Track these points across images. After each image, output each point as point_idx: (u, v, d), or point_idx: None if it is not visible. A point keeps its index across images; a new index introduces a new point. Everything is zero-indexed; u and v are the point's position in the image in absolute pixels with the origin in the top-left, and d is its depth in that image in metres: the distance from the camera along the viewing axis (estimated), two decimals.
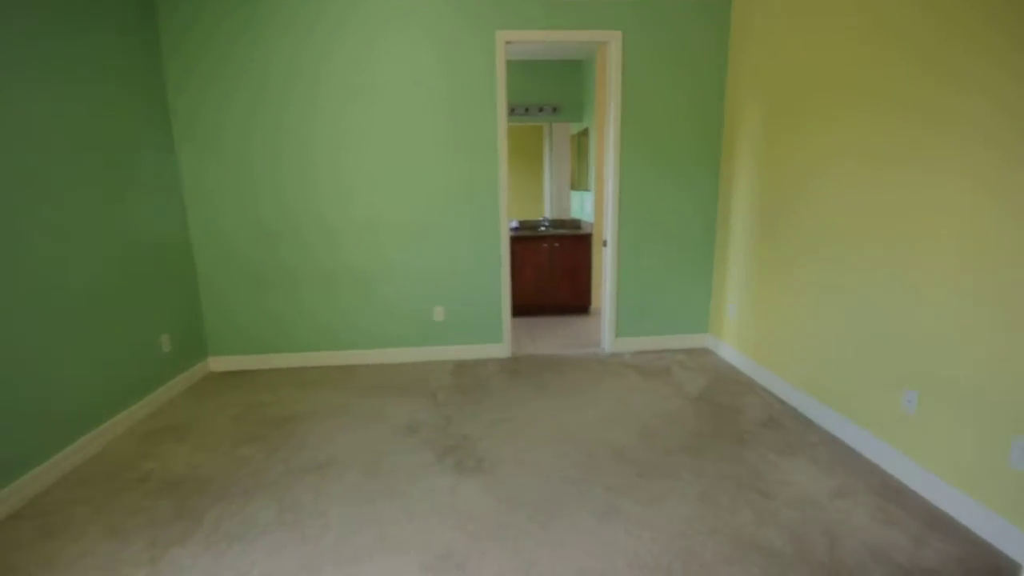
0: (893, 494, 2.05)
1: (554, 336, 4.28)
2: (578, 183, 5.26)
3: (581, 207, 5.22)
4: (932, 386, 2.00)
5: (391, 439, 2.56)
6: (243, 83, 3.22)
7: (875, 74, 2.21)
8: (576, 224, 5.20)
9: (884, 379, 2.22)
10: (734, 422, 2.69)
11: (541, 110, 5.10)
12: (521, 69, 4.98)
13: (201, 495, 2.12)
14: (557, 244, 4.78)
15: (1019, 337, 1.67)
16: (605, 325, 3.83)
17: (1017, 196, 1.66)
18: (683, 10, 3.34)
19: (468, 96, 3.36)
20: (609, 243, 3.66)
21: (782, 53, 2.87)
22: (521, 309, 4.88)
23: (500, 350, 3.74)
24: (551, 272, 4.83)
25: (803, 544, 1.79)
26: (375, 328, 3.62)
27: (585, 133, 5.02)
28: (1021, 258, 1.66)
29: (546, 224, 5.16)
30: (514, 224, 5.05)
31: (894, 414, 2.18)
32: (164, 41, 3.12)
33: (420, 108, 3.35)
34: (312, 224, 3.43)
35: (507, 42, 3.33)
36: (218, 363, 3.56)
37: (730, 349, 3.54)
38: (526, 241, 4.75)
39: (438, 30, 3.27)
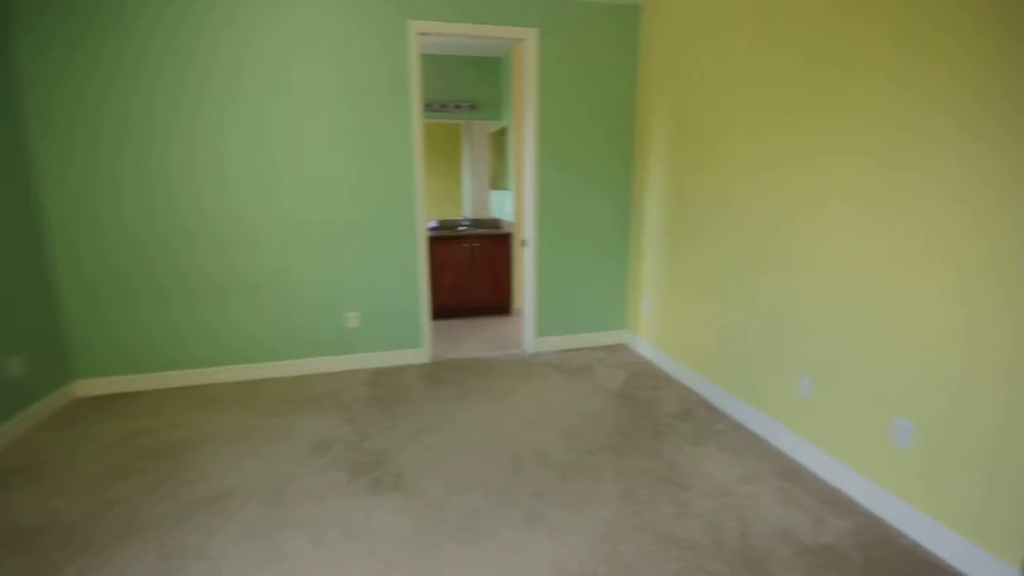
0: (794, 475, 2.20)
1: (476, 338, 4.20)
2: (498, 182, 5.21)
3: (501, 206, 5.18)
4: (825, 372, 2.16)
5: (299, 461, 2.34)
6: (112, 69, 2.80)
7: (771, 82, 2.35)
8: (496, 224, 5.15)
9: (783, 367, 2.38)
10: (651, 416, 2.76)
11: (458, 107, 4.99)
12: (437, 64, 4.83)
13: (60, 548, 1.78)
14: (477, 244, 4.70)
15: (894, 326, 1.83)
16: (527, 325, 3.80)
17: (886, 202, 1.82)
18: (597, 12, 3.39)
19: (380, 89, 3.17)
20: (529, 242, 3.64)
21: (684, 59, 2.99)
22: (442, 311, 4.75)
23: (420, 355, 3.59)
24: (472, 273, 4.74)
25: (718, 533, 1.85)
26: (282, 338, 3.32)
27: (503, 132, 4.98)
28: (892, 261, 1.82)
29: (466, 224, 5.06)
30: (433, 224, 4.90)
31: (792, 399, 2.34)
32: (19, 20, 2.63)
33: (326, 100, 3.11)
34: (207, 225, 3.07)
35: (420, 33, 3.18)
36: (88, 387, 3.07)
37: (646, 344, 3.66)
38: (445, 241, 4.62)
39: (346, 15, 3.05)
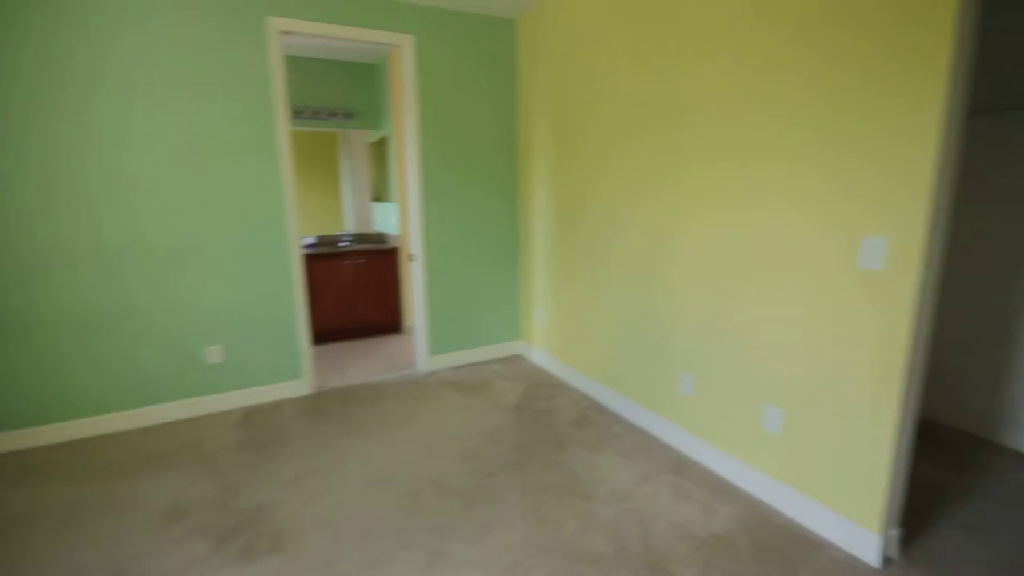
0: (684, 470, 2.31)
1: (365, 361, 3.91)
2: (381, 194, 4.96)
3: (386, 220, 4.93)
4: (703, 369, 2.30)
5: (146, 536, 1.93)
6: None
7: (636, 94, 2.48)
8: (381, 238, 4.89)
9: (667, 367, 2.51)
10: (551, 426, 2.75)
11: (333, 115, 4.66)
12: (307, 68, 4.47)
13: None
14: (361, 260, 4.40)
15: (761, 324, 2.01)
16: (419, 343, 3.63)
17: (750, 213, 1.99)
18: (474, 24, 3.36)
19: (237, 92, 2.80)
20: (417, 256, 3.48)
21: (561, 70, 3.07)
22: (325, 335, 4.37)
23: (300, 387, 3.24)
24: (357, 291, 4.43)
25: (621, 540, 1.86)
26: (124, 383, 2.77)
27: (384, 142, 4.75)
28: (756, 266, 2.00)
29: (347, 239, 4.73)
30: (309, 241, 4.50)
31: (676, 396, 2.47)
32: None
33: (177, 105, 2.67)
34: (19, 249, 2.45)
35: (283, 32, 2.88)
36: None
37: (541, 354, 3.68)
38: (326, 259, 4.27)
39: (199, 11, 2.65)
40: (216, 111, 2.78)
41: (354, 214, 4.98)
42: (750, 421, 2.10)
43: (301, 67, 4.44)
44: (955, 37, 1.39)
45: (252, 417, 2.93)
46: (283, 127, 2.95)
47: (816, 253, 1.78)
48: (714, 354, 2.23)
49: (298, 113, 4.47)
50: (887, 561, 1.72)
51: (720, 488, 2.16)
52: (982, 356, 2.48)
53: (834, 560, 1.74)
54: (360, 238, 4.84)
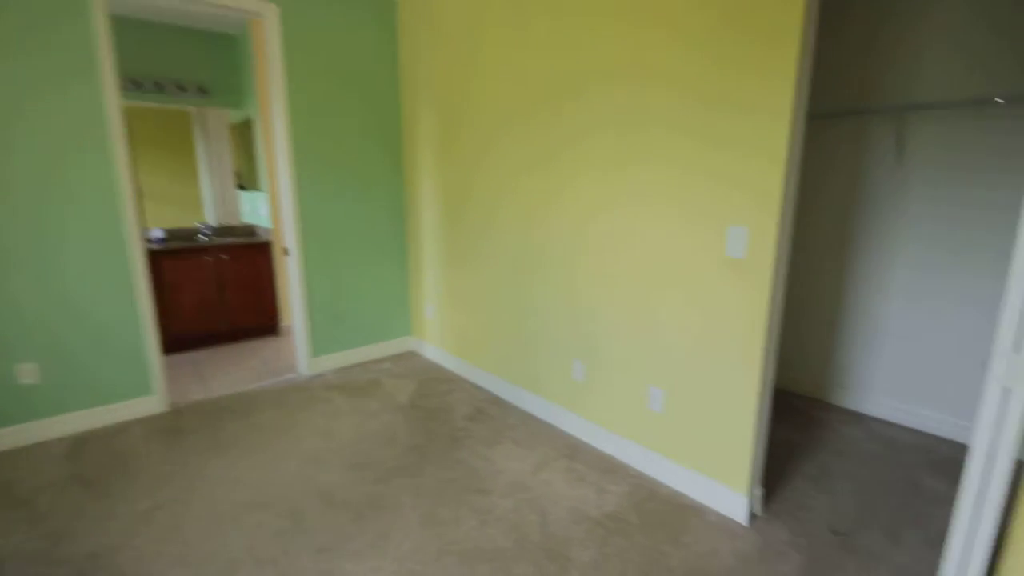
0: (578, 453, 2.37)
1: (237, 369, 3.48)
2: (247, 182, 4.44)
3: (255, 210, 4.43)
4: (593, 355, 2.38)
5: None
6: None
7: (520, 76, 2.47)
8: (250, 231, 4.39)
9: (559, 354, 2.55)
10: (446, 423, 2.67)
11: (183, 90, 4.05)
12: (148, 32, 3.82)
13: None
14: (226, 256, 3.91)
15: (644, 311, 2.11)
16: (299, 345, 3.31)
17: (627, 208, 2.08)
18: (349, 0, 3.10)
19: (40, 49, 2.28)
20: (292, 251, 3.16)
21: (446, 51, 2.97)
22: (185, 342, 3.82)
23: (152, 404, 2.78)
24: (222, 290, 3.93)
25: (521, 531, 1.85)
26: None
27: (248, 124, 4.25)
28: (638, 256, 2.09)
29: (207, 232, 4.17)
30: (158, 234, 3.88)
31: (568, 383, 2.53)
32: None
33: None
34: None
35: None
36: None
37: (433, 348, 3.57)
38: (180, 255, 3.71)
39: None
40: (21, 76, 2.23)
41: (216, 204, 4.41)
42: (636, 402, 2.21)
43: (140, 31, 3.79)
44: (799, 50, 1.55)
45: (86, 445, 2.44)
46: (113, 98, 2.47)
47: (691, 244, 1.91)
48: (603, 340, 2.32)
49: (136, 84, 3.81)
50: (753, 517, 1.91)
51: (611, 468, 2.26)
52: (815, 330, 2.89)
53: (710, 523, 1.90)
54: (223, 231, 4.30)
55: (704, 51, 1.77)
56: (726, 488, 1.93)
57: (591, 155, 2.22)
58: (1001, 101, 2.13)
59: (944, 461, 2.29)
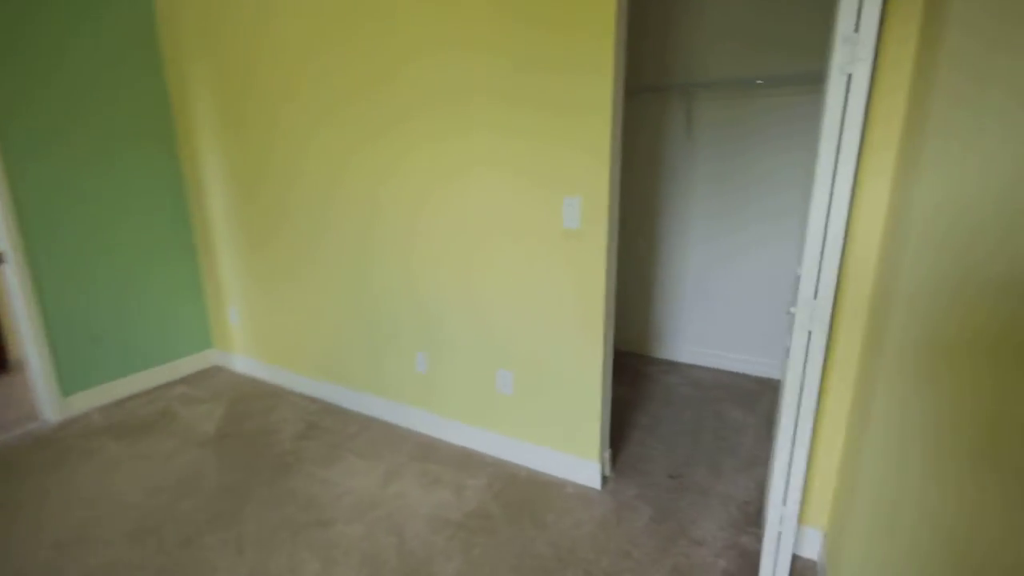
0: (431, 452, 2.19)
1: None
2: None
3: None
4: (436, 345, 2.20)
5: None
6: None
7: (342, 57, 2.10)
8: None
9: (400, 348, 2.31)
10: (270, 448, 2.24)
11: None
12: None
13: None
14: None
15: (486, 292, 1.99)
16: (38, 383, 2.45)
17: (464, 187, 1.91)
18: None
19: None
20: (10, 260, 2.28)
21: (226, 22, 2.38)
22: None
23: None
24: None
25: (376, 561, 1.61)
26: None
27: None
28: (477, 236, 1.95)
29: None
30: None
31: (412, 377, 2.31)
32: None
33: None
34: None
35: None
36: None
37: (245, 359, 2.99)
38: None
39: None
40: None
41: None
42: (486, 388, 2.11)
43: None
44: (616, 30, 1.54)
45: None
46: None
47: (529, 218, 1.83)
48: (446, 327, 2.15)
49: None
50: (605, 480, 1.98)
51: (468, 462, 2.13)
52: (633, 291, 3.15)
53: (569, 496, 1.91)
54: None
55: (526, 16, 1.66)
56: (580, 459, 1.95)
57: (420, 130, 1.98)
58: (760, 82, 2.50)
59: (742, 394, 2.70)
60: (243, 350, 2.99)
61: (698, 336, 3.03)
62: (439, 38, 1.84)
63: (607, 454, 2.01)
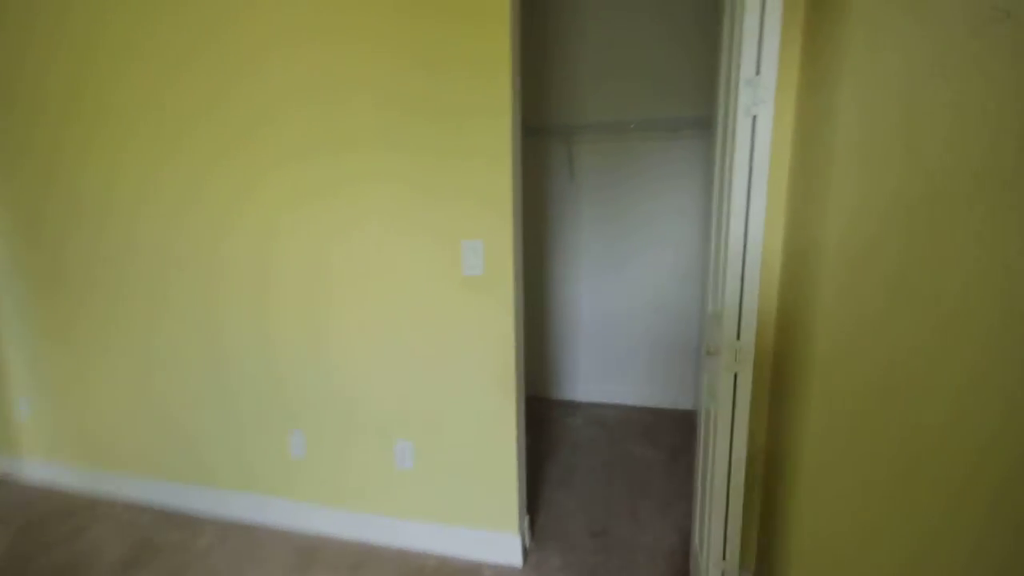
0: (315, 556, 1.78)
1: None
2: None
3: None
4: (316, 420, 1.82)
5: None
6: None
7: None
8: None
9: (267, 429, 1.89)
10: None
11: None
12: None
13: None
14: None
15: (381, 348, 1.70)
16: None
17: (341, 233, 1.64)
18: None
19: None
20: None
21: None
22: None
23: None
24: None
25: None
26: None
27: None
28: (357, 290, 1.67)
29: None
30: None
31: (285, 464, 1.89)
32: None
33: None
34: None
35: None
36: None
37: (42, 465, 2.25)
38: None
39: None
40: None
41: None
42: (382, 464, 1.79)
43: None
44: (511, 70, 1.44)
45: None
46: None
47: (423, 266, 1.61)
48: (327, 398, 1.79)
49: None
50: (525, 554, 1.76)
51: (364, 560, 1.76)
52: (529, 333, 3.05)
53: None
54: None
55: (413, 57, 1.49)
56: (497, 533, 1.72)
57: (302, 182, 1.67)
58: (634, 126, 2.63)
59: (643, 428, 2.69)
60: (39, 452, 2.25)
61: (594, 374, 3.01)
62: (322, 83, 1.58)
63: (526, 522, 1.80)
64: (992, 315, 0.54)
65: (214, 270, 1.81)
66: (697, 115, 2.56)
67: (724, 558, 1.30)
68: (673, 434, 2.62)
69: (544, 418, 2.84)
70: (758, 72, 1.09)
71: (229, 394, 1.90)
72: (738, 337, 1.18)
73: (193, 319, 1.88)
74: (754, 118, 1.10)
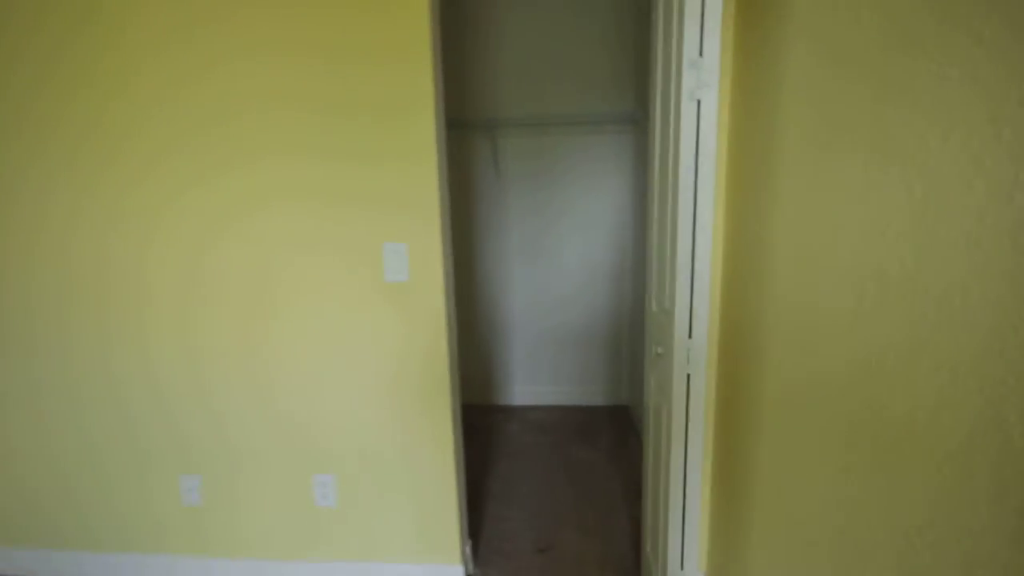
0: None
1: None
2: None
3: None
4: (215, 460, 1.54)
5: None
6: None
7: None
8: None
9: (153, 473, 1.57)
10: None
11: None
12: None
13: None
14: None
15: (292, 367, 1.46)
16: None
17: (239, 237, 1.38)
18: None
19: None
20: None
21: None
22: None
23: None
24: None
25: None
26: None
27: None
28: (263, 303, 1.42)
29: None
30: None
31: (178, 512, 1.58)
32: None
33: None
34: None
35: None
36: None
37: None
38: None
39: None
40: None
41: None
42: (299, 503, 1.54)
43: None
44: (433, 62, 1.27)
45: None
46: None
47: (339, 275, 1.40)
48: (228, 430, 1.52)
49: None
50: None
51: None
52: (461, 337, 2.89)
53: None
54: None
55: (327, 54, 1.28)
56: (437, 566, 1.55)
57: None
58: (556, 120, 2.56)
59: (580, 429, 2.63)
60: None
61: (529, 376, 2.91)
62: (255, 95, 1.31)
63: (468, 548, 1.65)
64: (972, 302, 0.48)
65: (93, 279, 1.47)
66: (624, 109, 2.55)
67: (682, 568, 1.23)
68: (609, 432, 2.58)
69: (481, 426, 2.69)
70: (701, 53, 1.02)
71: (108, 434, 1.55)
72: (690, 336, 1.12)
73: (57, 340, 1.51)
74: (698, 102, 1.04)
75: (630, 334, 2.78)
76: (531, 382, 2.91)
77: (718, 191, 1.14)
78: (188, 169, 1.37)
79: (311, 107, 1.32)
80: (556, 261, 2.77)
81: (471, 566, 1.66)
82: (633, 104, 2.55)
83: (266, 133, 1.34)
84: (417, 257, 1.38)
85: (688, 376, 1.13)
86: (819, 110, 0.77)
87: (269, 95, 1.32)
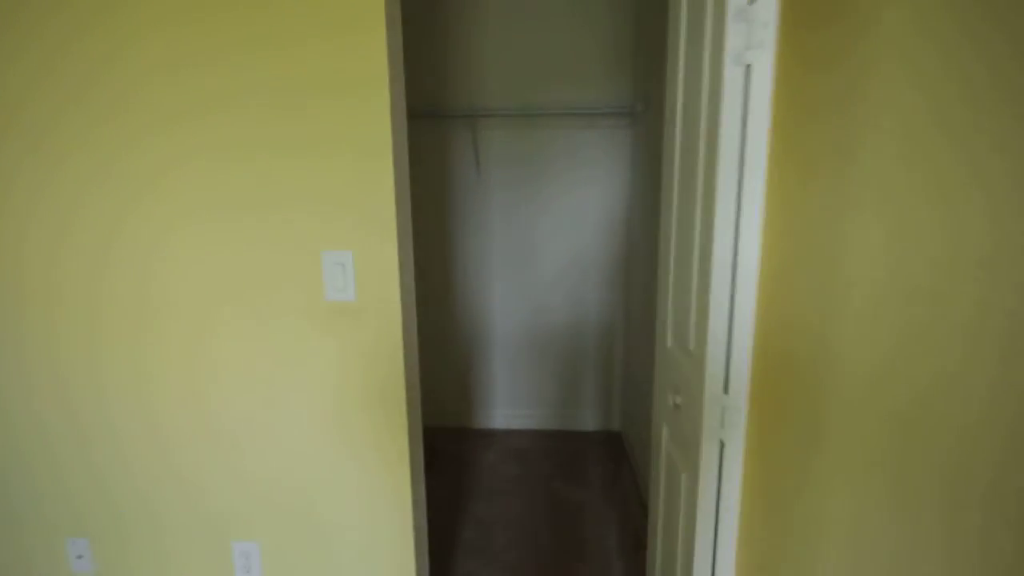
0: None
1: None
2: None
3: None
4: (110, 520, 1.22)
5: None
6: None
7: None
8: None
9: (33, 535, 1.24)
10: None
11: None
12: None
13: None
14: None
15: (207, 411, 1.14)
16: None
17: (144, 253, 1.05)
18: None
19: None
20: None
21: None
22: None
23: None
24: None
25: None
26: None
27: None
28: (172, 331, 1.09)
29: None
30: None
31: None
32: None
33: None
34: None
35: None
36: None
37: None
38: None
39: None
40: None
41: None
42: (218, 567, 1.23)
43: None
44: (388, 34, 0.97)
45: None
46: None
47: (259, 293, 1.08)
48: (124, 487, 1.19)
49: None
50: None
51: None
52: (431, 355, 2.56)
53: None
54: None
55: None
56: None
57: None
58: (541, 112, 2.27)
59: (567, 460, 2.33)
60: None
61: (510, 397, 2.61)
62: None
63: None
64: None
65: None
66: (621, 101, 2.26)
67: None
68: (601, 464, 2.29)
69: (455, 455, 2.38)
70: (751, 1, 0.73)
71: None
72: (726, 391, 0.82)
73: None
74: (747, 68, 0.74)
75: (624, 351, 2.49)
76: (512, 404, 2.61)
77: (771, 194, 0.83)
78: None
79: (227, 87, 1.00)
80: (542, 268, 2.47)
81: None
82: (631, 95, 2.26)
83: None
84: (367, 269, 1.07)
85: (722, 444, 0.84)
86: (948, 76, 0.47)
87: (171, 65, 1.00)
